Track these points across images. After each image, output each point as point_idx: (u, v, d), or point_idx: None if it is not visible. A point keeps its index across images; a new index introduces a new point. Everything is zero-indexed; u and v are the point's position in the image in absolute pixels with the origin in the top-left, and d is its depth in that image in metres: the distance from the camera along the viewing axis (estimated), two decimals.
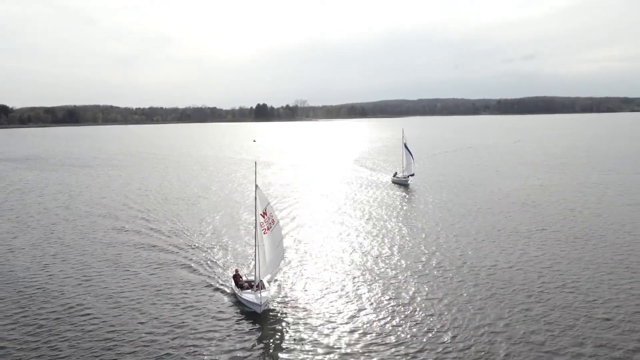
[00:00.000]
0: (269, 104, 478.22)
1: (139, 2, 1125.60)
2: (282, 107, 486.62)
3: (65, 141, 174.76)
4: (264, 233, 22.15)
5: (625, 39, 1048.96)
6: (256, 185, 22.57)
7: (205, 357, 17.67)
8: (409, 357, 17.43)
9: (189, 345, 18.50)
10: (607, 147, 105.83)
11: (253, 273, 24.29)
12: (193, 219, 39.95)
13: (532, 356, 17.27)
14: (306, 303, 22.48)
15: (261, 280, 22.79)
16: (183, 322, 20.54)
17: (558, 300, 22.11)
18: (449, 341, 18.41)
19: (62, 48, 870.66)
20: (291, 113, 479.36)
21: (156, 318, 20.98)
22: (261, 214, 22.05)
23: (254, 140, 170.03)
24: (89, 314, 21.46)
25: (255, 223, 22.53)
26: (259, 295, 21.84)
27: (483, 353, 17.55)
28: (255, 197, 22.36)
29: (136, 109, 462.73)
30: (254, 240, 30.46)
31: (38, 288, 24.49)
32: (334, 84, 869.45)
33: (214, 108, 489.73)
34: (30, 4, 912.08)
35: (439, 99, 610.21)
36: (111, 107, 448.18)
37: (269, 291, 23.08)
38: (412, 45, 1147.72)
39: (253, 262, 24.64)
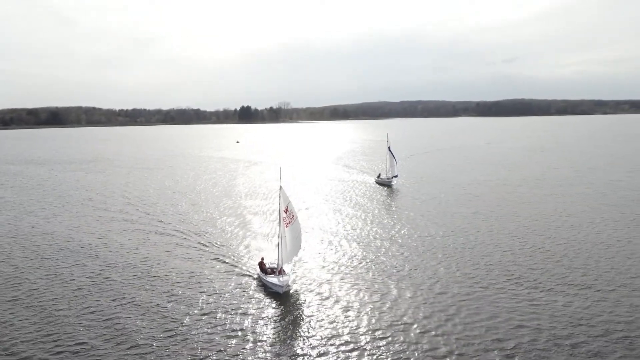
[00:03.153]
0: (252, 106, 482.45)
1: (118, 2, 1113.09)
2: (265, 109, 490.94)
3: (58, 143, 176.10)
4: (286, 227, 26.60)
5: (600, 43, 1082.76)
6: (280, 186, 27.19)
7: (236, 330, 21.79)
8: (408, 314, 22.29)
9: (222, 319, 22.79)
10: (562, 147, 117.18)
11: (276, 261, 28.52)
12: (215, 215, 44.93)
13: (450, 284, 26.41)
14: (320, 285, 27.13)
15: (282, 267, 27.25)
16: (217, 301, 24.93)
17: (472, 253, 32.37)
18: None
19: (42, 48, 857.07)
20: (275, 115, 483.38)
21: (192, 299, 25.32)
22: (284, 210, 26.71)
23: (237, 142, 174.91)
24: (135, 294, 25.96)
25: (279, 218, 27.20)
26: (281, 278, 26.26)
27: (424, 278, 26.54)
28: (280, 196, 26.99)
29: (119, 110, 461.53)
30: (273, 233, 36.19)
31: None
32: (317, 86, 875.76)
33: (198, 110, 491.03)
34: (8, 3, 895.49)
35: (420, 101, 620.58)
36: (94, 108, 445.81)
37: (290, 276, 27.46)
38: (394, 48, 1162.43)
39: (275, 252, 29.07)
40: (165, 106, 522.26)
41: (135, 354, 19.62)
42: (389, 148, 65.36)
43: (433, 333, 20.88)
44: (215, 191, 60.64)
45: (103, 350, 19.97)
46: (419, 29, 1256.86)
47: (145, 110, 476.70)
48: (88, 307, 24.40)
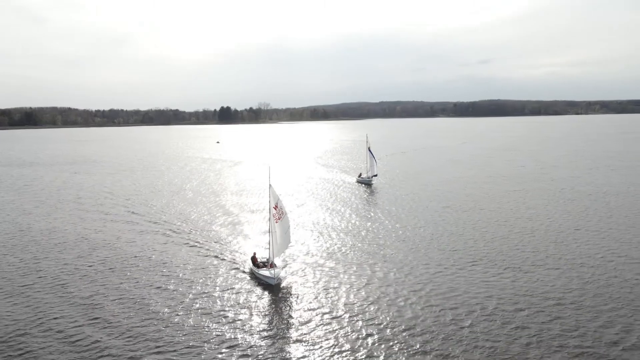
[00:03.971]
0: (232, 107, 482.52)
1: (92, 0, 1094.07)
2: (245, 109, 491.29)
3: (37, 144, 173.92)
4: (276, 222, 28.74)
5: (572, 46, 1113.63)
6: (270, 184, 29.60)
7: (233, 320, 23.34)
8: (380, 292, 25.28)
9: (219, 310, 24.82)
10: (532, 146, 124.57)
11: (267, 255, 30.55)
12: (205, 213, 47.33)
13: (420, 267, 29.09)
14: (309, 276, 29.64)
15: (273, 260, 29.21)
16: (213, 293, 27.06)
17: (440, 241, 36.75)
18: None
19: (14, 47, 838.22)
20: (255, 116, 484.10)
21: (189, 291, 27.44)
22: (274, 207, 29.02)
23: (218, 142, 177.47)
24: (138, 287, 28.44)
25: (269, 214, 29.39)
26: (272, 271, 28.17)
27: (401, 264, 28.79)
28: (269, 194, 29.23)
29: (96, 111, 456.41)
30: (263, 230, 38.66)
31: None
32: (297, 86, 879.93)
33: (177, 110, 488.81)
34: None
35: (399, 101, 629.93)
36: (69, 109, 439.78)
37: (280, 269, 29.75)
38: (373, 49, 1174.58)
39: (267, 246, 31.23)
40: (144, 106, 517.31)
41: (136, 341, 21.75)
42: (369, 148, 67.77)
43: (407, 307, 24.19)
44: (203, 190, 62.97)
45: (98, 336, 22.13)
46: (397, 31, 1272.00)
47: (122, 110, 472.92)
48: (90, 297, 26.82)
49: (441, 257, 32.42)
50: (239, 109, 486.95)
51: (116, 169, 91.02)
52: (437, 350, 20.17)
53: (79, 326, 23.08)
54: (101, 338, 21.82)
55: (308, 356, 20.09)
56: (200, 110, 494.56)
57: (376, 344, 20.84)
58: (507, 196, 54.21)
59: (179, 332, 22.38)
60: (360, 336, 21.62)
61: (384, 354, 20.08)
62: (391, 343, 20.90)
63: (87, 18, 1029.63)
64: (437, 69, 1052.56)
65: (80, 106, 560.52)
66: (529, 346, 20.30)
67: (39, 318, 24.11)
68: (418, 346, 20.55)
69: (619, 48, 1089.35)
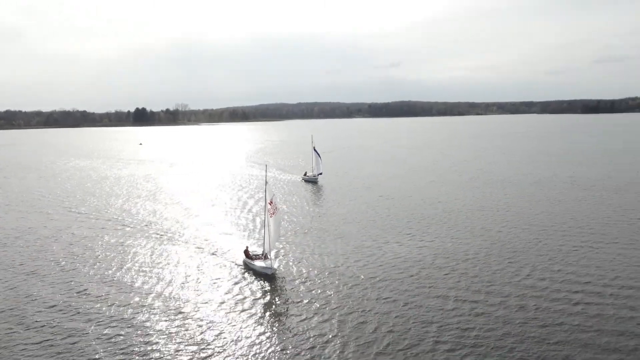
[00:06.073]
0: (148, 108, 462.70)
1: None
2: (162, 111, 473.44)
3: None
4: (270, 216, 31.35)
5: (472, 51, 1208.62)
6: (266, 182, 33.01)
7: (237, 306, 25.82)
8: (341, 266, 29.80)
9: (223, 299, 26.70)
10: (442, 145, 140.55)
11: (259, 249, 33.15)
12: (192, 215, 48.57)
13: (363, 239, 35.89)
14: (302, 266, 32.37)
15: (267, 252, 31.51)
16: (218, 285, 28.98)
17: (375, 220, 45.43)
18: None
19: None
20: (172, 117, 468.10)
21: (195, 284, 29.45)
22: (269, 203, 31.68)
23: (140, 144, 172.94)
24: (148, 284, 30.28)
25: (265, 209, 32.21)
26: (269, 262, 30.39)
27: (352, 239, 34.91)
28: (265, 190, 32.20)
29: None
30: (249, 225, 41.93)
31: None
32: (214, 87, 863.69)
33: (85, 111, 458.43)
34: None
35: (316, 102, 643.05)
36: None
37: (274, 260, 31.49)
38: (290, 50, 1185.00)
39: (259, 240, 34.11)
40: (46, 107, 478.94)
41: (144, 333, 23.21)
42: (314, 148, 71.51)
43: (362, 267, 30.38)
44: (165, 191, 63.41)
45: (106, 332, 23.61)
46: (314, 33, 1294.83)
47: (21, 112, 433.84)
48: (92, 296, 28.58)
49: (376, 231, 40.87)
50: (155, 110, 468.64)
51: (60, 177, 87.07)
52: (402, 299, 25.57)
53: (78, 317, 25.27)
54: (106, 331, 23.35)
55: (314, 335, 22.72)
56: (112, 111, 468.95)
57: (360, 309, 25.28)
58: (428, 186, 65.12)
59: (188, 323, 24.04)
60: (352, 306, 25.70)
61: (369, 315, 24.63)
62: (373, 308, 25.45)
63: None
64: (351, 71, 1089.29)
65: None
66: (452, 283, 28.74)
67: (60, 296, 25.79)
68: (388, 300, 25.87)
69: (512, 54, 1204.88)
